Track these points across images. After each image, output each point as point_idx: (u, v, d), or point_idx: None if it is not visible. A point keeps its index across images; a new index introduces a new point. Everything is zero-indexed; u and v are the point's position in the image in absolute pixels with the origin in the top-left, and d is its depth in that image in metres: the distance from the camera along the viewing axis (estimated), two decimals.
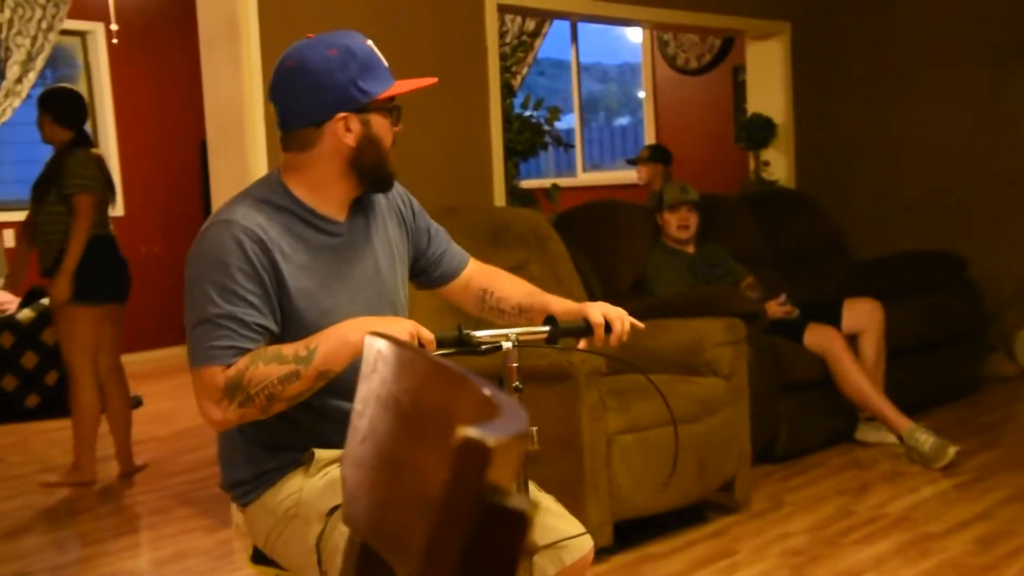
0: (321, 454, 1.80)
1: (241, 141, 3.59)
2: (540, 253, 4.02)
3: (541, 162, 9.09)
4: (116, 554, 3.53)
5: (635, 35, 8.19)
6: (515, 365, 1.84)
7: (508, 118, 4.86)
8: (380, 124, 1.81)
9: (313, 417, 1.80)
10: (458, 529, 0.61)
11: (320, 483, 1.77)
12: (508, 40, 7.30)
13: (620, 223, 4.91)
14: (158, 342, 7.51)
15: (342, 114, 1.76)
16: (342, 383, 1.71)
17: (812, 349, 4.27)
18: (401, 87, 1.82)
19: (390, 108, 1.82)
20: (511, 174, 4.88)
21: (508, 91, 5.12)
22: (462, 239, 3.77)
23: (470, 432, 0.62)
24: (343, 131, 1.76)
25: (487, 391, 0.73)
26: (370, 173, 1.83)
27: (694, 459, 3.41)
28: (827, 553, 3.13)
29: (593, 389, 3.17)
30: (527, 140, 4.88)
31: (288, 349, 1.67)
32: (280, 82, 1.78)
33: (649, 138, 7.82)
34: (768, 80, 5.87)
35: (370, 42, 1.83)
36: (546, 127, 5.14)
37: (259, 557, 1.99)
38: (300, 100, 1.76)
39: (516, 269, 3.90)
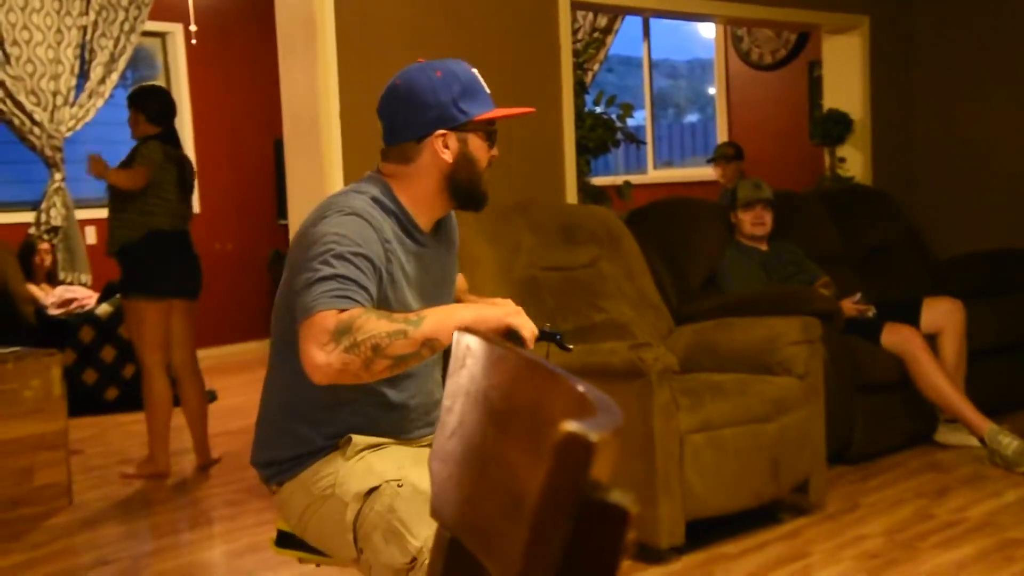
0: (358, 439, 1.89)
1: (317, 140, 3.63)
2: (612, 251, 4.00)
3: (611, 159, 9.06)
4: (192, 545, 3.61)
5: (708, 30, 8.12)
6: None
7: (580, 115, 4.85)
8: (477, 144, 1.92)
9: (378, 406, 1.90)
10: (560, 526, 0.61)
11: (358, 466, 1.86)
12: (580, 37, 7.28)
13: (692, 220, 4.87)
14: (232, 338, 7.64)
15: (441, 131, 1.89)
16: (406, 377, 1.86)
17: (890, 349, 4.19)
18: (499, 112, 1.94)
19: (488, 131, 1.93)
20: (583, 171, 4.87)
21: (580, 88, 5.11)
22: (533, 236, 3.79)
23: (573, 427, 0.62)
24: (441, 147, 1.89)
25: (581, 388, 0.73)
26: (464, 190, 1.94)
27: (768, 459, 3.37)
28: (904, 557, 3.07)
29: (665, 387, 3.15)
30: (599, 137, 4.87)
31: (398, 314, 1.74)
32: (387, 99, 1.92)
33: (721, 135, 7.74)
34: (845, 75, 5.77)
35: (475, 70, 1.96)
36: (618, 124, 5.12)
37: (283, 541, 2.04)
38: (404, 116, 1.90)
39: (587, 267, 3.90)
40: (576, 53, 5.00)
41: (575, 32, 7.21)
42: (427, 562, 1.69)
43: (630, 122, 5.34)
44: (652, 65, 8.56)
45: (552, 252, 3.83)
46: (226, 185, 7.65)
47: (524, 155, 4.23)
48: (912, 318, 4.32)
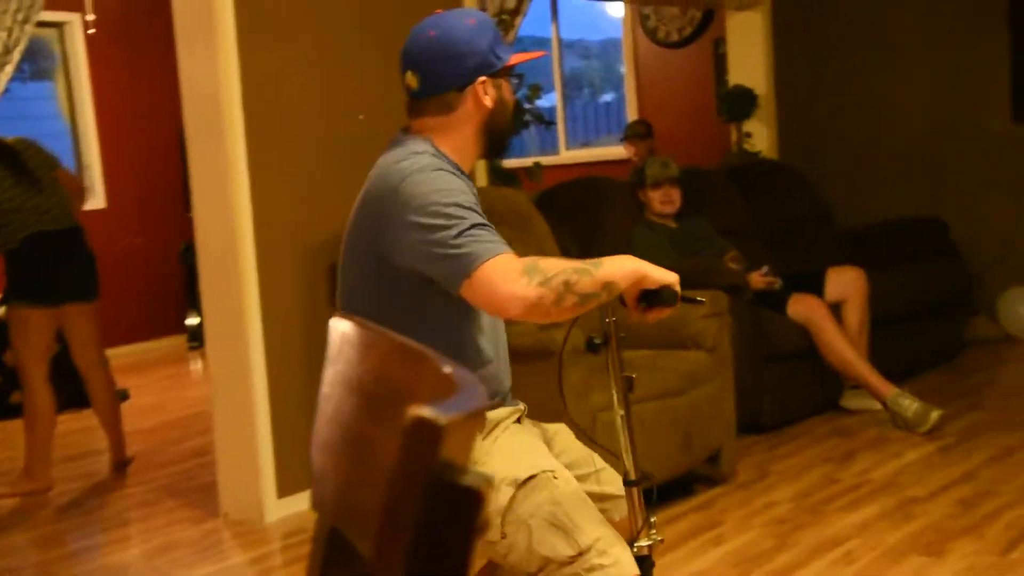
0: (490, 416, 1.91)
1: (220, 132, 3.57)
2: (523, 233, 4.02)
3: (524, 141, 9.07)
4: (106, 547, 3.54)
5: (616, 10, 8.17)
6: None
7: None
8: (507, 89, 1.94)
9: (496, 365, 1.94)
10: (411, 506, 0.62)
11: (495, 447, 1.87)
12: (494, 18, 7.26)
13: (602, 200, 4.91)
14: (144, 334, 7.49)
15: (482, 78, 1.89)
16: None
17: (796, 319, 4.29)
18: (525, 56, 1.96)
19: (515, 75, 1.95)
20: None
21: None
22: None
23: (421, 411, 0.63)
24: (482, 94, 1.89)
25: (447, 368, 0.74)
26: (499, 136, 1.96)
27: (680, 432, 3.43)
28: (812, 521, 3.16)
29: (578, 366, 3.18)
30: None
31: (574, 259, 1.79)
32: (422, 50, 1.89)
33: (632, 114, 7.81)
34: (749, 51, 5.87)
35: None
36: (527, 105, 5.14)
37: None
38: (445, 65, 1.87)
39: None
40: None
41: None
42: (595, 563, 1.76)
43: (543, 103, 5.37)
44: (565, 46, 8.58)
45: None
46: (132, 178, 7.48)
47: None
48: (817, 288, 4.44)
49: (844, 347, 4.19)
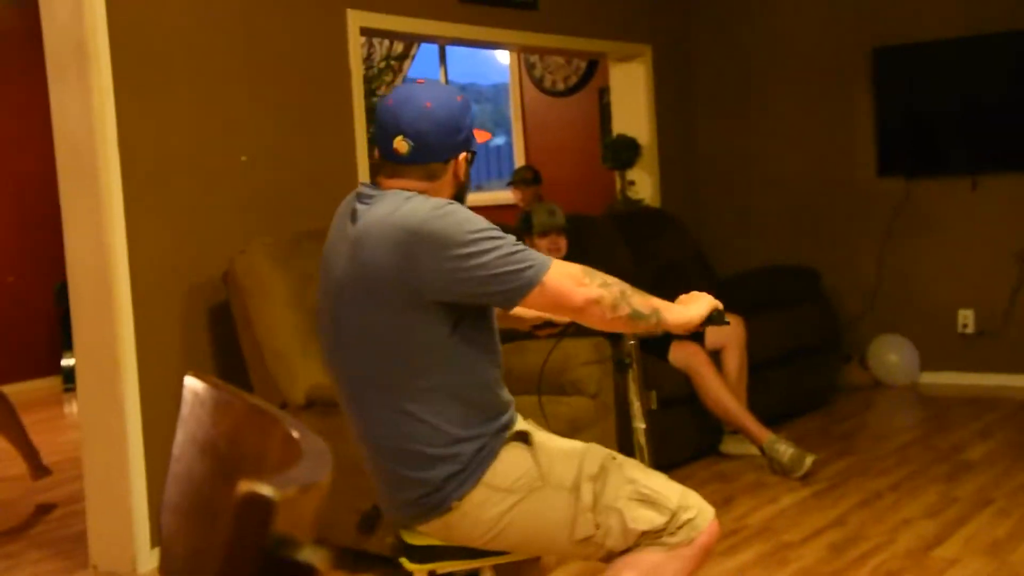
0: (521, 426, 2.03)
1: (93, 169, 3.48)
2: None
3: None
4: None
5: (504, 57, 8.27)
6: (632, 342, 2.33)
7: (373, 141, 4.84)
8: (468, 165, 2.06)
9: (495, 387, 2.01)
10: None
11: (545, 455, 1.99)
12: (377, 62, 7.27)
13: None
14: (14, 376, 7.18)
15: (464, 154, 2.01)
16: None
17: (677, 365, 4.36)
18: (480, 135, 2.08)
19: (474, 152, 2.06)
20: None
21: (373, 115, 5.10)
22: None
23: (253, 486, 0.61)
24: (460, 168, 2.01)
25: (295, 433, 0.72)
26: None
27: None
28: None
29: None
30: None
31: None
32: (416, 119, 1.94)
33: (519, 159, 7.89)
34: (632, 101, 6.00)
35: None
36: None
37: (420, 556, 2.05)
38: (437, 138, 1.95)
39: None
40: (368, 80, 5.00)
41: (369, 58, 7.20)
42: (685, 519, 1.95)
43: None
44: (459, 89, 8.61)
45: None
46: (5, 215, 7.20)
47: (317, 183, 4.18)
48: (697, 335, 4.52)
49: (723, 393, 4.27)
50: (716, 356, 4.47)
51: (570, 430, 3.49)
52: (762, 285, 5.46)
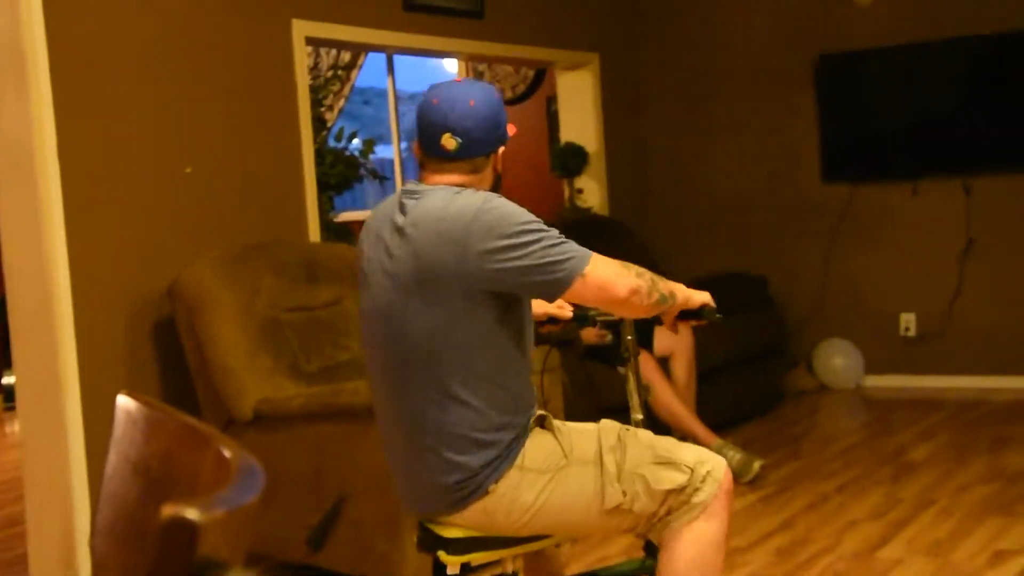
0: (541, 412, 2.13)
1: (32, 180, 3.41)
2: (355, 288, 3.98)
3: (361, 194, 9.03)
4: None
5: (452, 66, 8.26)
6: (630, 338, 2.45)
7: (321, 151, 4.82)
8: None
9: (528, 379, 2.13)
10: None
11: (565, 433, 2.11)
12: (325, 72, 7.23)
13: None
14: None
15: (502, 148, 2.15)
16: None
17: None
18: (511, 128, 2.20)
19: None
20: (326, 208, 4.83)
21: (321, 124, 5.08)
22: (274, 276, 3.71)
23: (177, 510, 0.61)
24: (499, 161, 2.16)
25: (227, 452, 0.71)
26: None
27: None
28: None
29: None
30: (340, 173, 4.85)
31: None
32: (462, 117, 2.06)
33: None
34: (579, 110, 6.03)
35: None
36: (361, 159, 5.13)
37: (460, 548, 2.10)
38: (482, 133, 2.08)
39: (331, 305, 3.86)
40: (315, 89, 4.97)
41: (316, 67, 7.16)
42: (703, 472, 2.09)
43: (387, 155, 5.37)
44: (408, 97, 8.61)
45: (294, 292, 3.77)
46: None
47: (263, 194, 4.15)
48: (646, 343, 4.55)
49: (672, 400, 4.30)
50: (665, 363, 4.50)
51: None
52: (710, 292, 5.49)
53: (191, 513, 0.61)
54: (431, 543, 2.14)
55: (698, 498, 2.09)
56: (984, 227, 5.58)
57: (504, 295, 2.02)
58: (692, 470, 2.09)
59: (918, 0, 5.65)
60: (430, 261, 1.99)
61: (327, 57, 7.36)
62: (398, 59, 8.17)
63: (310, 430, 3.32)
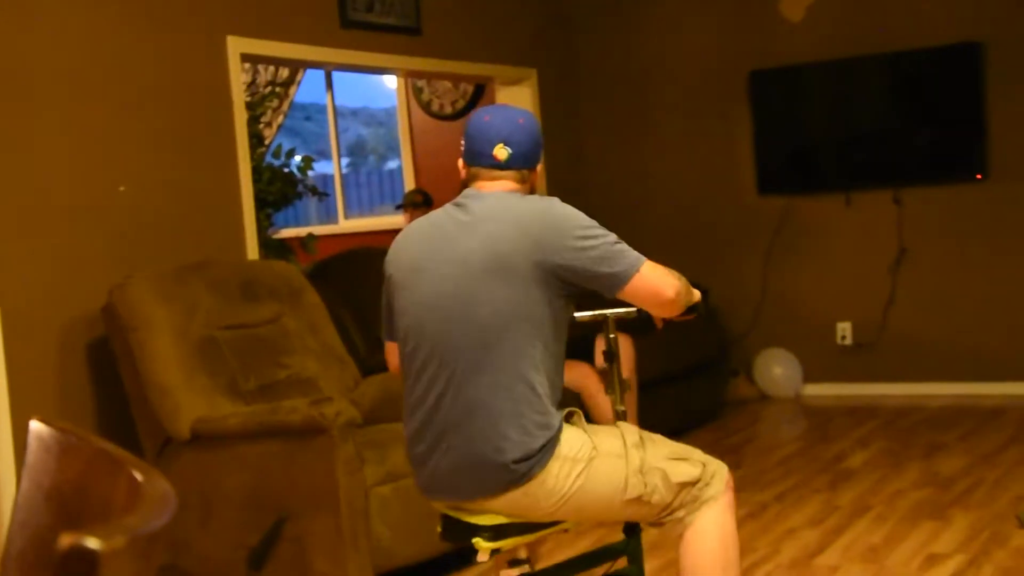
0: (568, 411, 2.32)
1: None
2: (294, 306, 3.96)
3: (301, 211, 8.97)
4: None
5: (392, 81, 8.26)
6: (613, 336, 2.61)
7: (259, 169, 4.78)
8: None
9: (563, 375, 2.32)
10: None
11: (591, 430, 2.29)
12: (264, 88, 7.19)
13: (377, 270, 4.91)
14: None
15: (540, 165, 2.39)
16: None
17: (569, 386, 4.37)
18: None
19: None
20: (264, 225, 4.79)
21: (258, 141, 5.05)
22: (211, 294, 3.67)
23: (76, 538, 0.60)
24: (536, 178, 2.39)
25: (139, 476, 0.70)
26: None
27: None
28: None
29: (348, 442, 3.14)
30: (279, 190, 4.82)
31: None
32: (515, 131, 2.32)
33: (409, 182, 7.88)
34: None
35: None
36: (299, 176, 5.10)
37: (499, 534, 2.25)
38: (530, 148, 2.33)
39: (270, 323, 3.83)
40: (252, 106, 4.94)
41: (252, 83, 7.11)
42: (712, 470, 2.32)
43: (328, 171, 5.35)
44: (351, 113, 8.59)
45: (232, 310, 3.73)
46: None
47: (200, 212, 4.11)
48: (587, 355, 4.57)
49: (613, 412, 4.32)
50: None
51: None
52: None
53: (91, 542, 0.60)
54: (460, 532, 2.29)
55: (708, 493, 2.30)
56: (914, 237, 5.71)
57: (566, 288, 2.22)
58: (704, 465, 2.32)
59: (845, 18, 5.77)
60: (507, 247, 2.20)
61: (265, 73, 7.32)
62: (338, 75, 8.15)
63: (249, 449, 3.28)
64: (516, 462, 2.17)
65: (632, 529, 2.49)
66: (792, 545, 3.46)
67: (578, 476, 2.21)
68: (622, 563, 2.53)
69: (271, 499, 3.22)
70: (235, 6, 4.29)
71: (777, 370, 5.96)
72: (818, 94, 5.85)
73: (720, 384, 5.75)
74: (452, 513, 2.31)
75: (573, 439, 2.24)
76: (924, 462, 4.38)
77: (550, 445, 2.19)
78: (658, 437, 2.37)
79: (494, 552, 2.29)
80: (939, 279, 5.69)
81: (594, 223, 2.25)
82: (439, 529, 2.36)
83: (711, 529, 2.31)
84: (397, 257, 2.37)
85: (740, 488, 4.13)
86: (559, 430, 2.22)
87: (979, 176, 5.52)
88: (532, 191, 2.37)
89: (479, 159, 2.31)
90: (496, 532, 2.25)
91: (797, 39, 5.86)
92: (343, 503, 3.11)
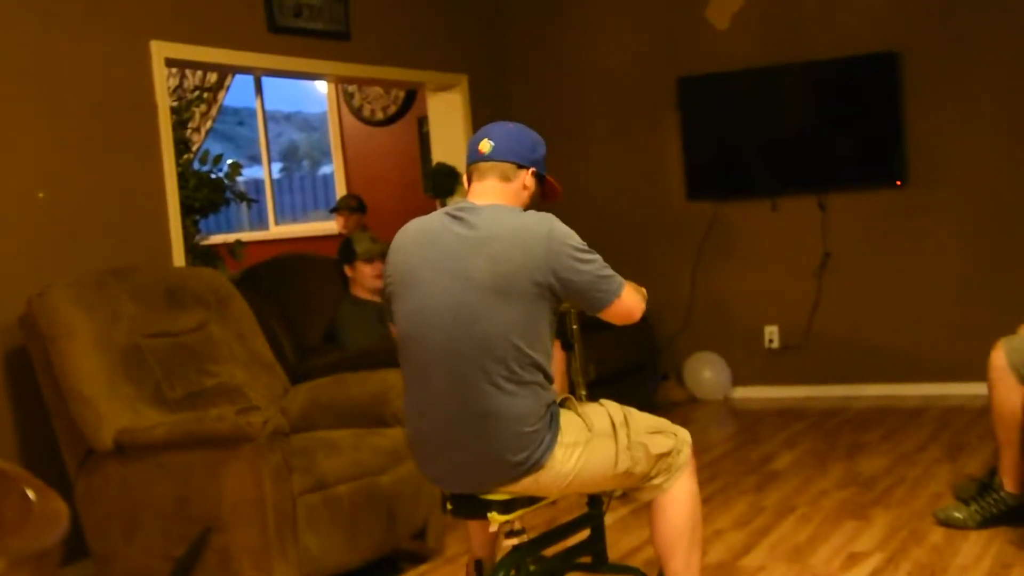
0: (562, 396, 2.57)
1: None
2: (221, 313, 3.91)
3: (232, 217, 8.87)
4: None
5: (323, 86, 8.21)
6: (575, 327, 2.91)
7: (185, 175, 4.72)
8: (537, 190, 2.62)
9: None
10: None
11: (582, 411, 2.52)
12: (192, 92, 7.09)
13: (307, 276, 4.88)
14: None
15: (533, 169, 2.57)
16: None
17: None
18: (550, 178, 2.66)
19: (541, 175, 2.63)
20: (191, 232, 4.73)
21: (185, 147, 4.98)
22: (134, 302, 3.61)
23: None
24: (529, 181, 2.57)
25: (32, 495, 0.69)
26: None
27: (384, 510, 3.42)
28: None
29: (276, 450, 3.11)
30: (205, 197, 4.76)
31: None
32: (500, 129, 2.58)
33: (341, 188, 7.84)
34: (449, 130, 6.06)
35: None
36: (227, 182, 5.04)
37: (508, 508, 2.54)
38: (514, 144, 2.54)
39: (196, 331, 3.77)
40: (178, 110, 4.87)
41: (179, 87, 7.01)
42: (683, 438, 2.64)
43: (259, 176, 5.30)
44: (284, 117, 8.51)
45: (156, 318, 3.67)
46: None
47: (123, 218, 4.04)
48: None
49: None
50: None
51: (390, 462, 3.48)
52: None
53: None
54: (471, 507, 2.57)
55: (680, 460, 2.60)
56: (838, 241, 5.83)
57: (557, 300, 2.43)
58: (676, 435, 2.61)
59: (768, 27, 5.88)
60: (510, 267, 2.38)
61: (193, 78, 7.22)
62: (270, 80, 8.08)
63: (174, 459, 3.23)
64: (527, 458, 2.41)
65: (595, 500, 2.90)
66: (719, 546, 3.51)
67: (578, 458, 2.46)
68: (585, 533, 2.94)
69: (197, 509, 3.17)
70: (160, 10, 4.23)
71: (706, 373, 6.03)
72: (745, 101, 5.94)
73: (651, 387, 5.81)
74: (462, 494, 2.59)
75: (570, 425, 2.47)
76: (847, 462, 4.48)
77: (553, 436, 2.43)
78: (635, 411, 2.61)
79: (504, 524, 2.59)
80: (862, 282, 5.82)
81: (585, 244, 2.46)
82: (449, 507, 2.62)
83: (684, 495, 2.61)
84: (394, 260, 2.55)
85: None
86: (553, 420, 2.44)
87: (899, 183, 5.65)
88: (528, 194, 2.57)
89: (470, 157, 2.55)
90: (506, 506, 2.53)
91: (724, 46, 5.95)
92: (270, 512, 3.08)
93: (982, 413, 4.70)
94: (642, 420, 2.60)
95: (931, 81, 5.58)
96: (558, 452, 2.44)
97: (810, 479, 4.25)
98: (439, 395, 2.45)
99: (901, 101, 5.60)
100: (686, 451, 2.63)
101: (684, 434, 2.66)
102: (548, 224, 2.44)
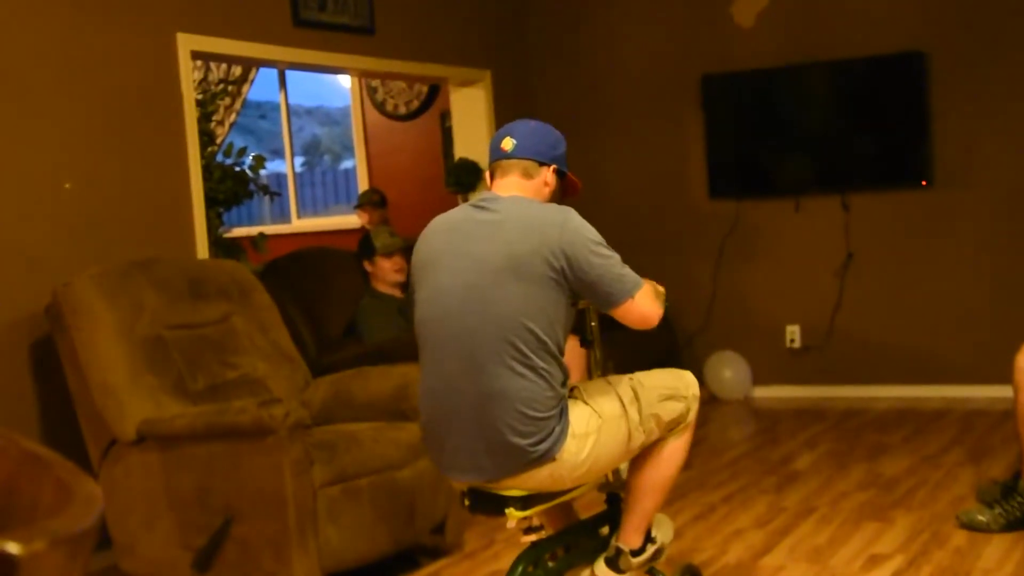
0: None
1: None
2: (243, 305, 3.92)
3: (255, 209, 8.91)
4: None
5: (346, 80, 8.23)
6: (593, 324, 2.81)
7: (209, 167, 4.74)
8: (558, 187, 2.64)
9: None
10: None
11: (592, 395, 2.52)
12: (216, 86, 7.12)
13: (329, 270, 4.90)
14: None
15: (555, 166, 2.59)
16: None
17: None
18: (572, 175, 2.67)
19: (564, 172, 2.65)
20: (214, 224, 4.75)
21: (209, 139, 5.00)
22: (157, 293, 3.63)
23: None
24: (550, 177, 2.59)
25: (67, 478, 0.70)
26: None
27: (404, 505, 3.43)
28: None
29: (297, 443, 3.12)
30: (229, 189, 4.78)
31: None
32: (522, 127, 2.60)
33: (363, 183, 7.86)
34: (472, 125, 6.06)
35: None
36: (251, 175, 5.06)
37: (526, 504, 2.52)
38: (536, 140, 2.57)
39: (218, 323, 3.79)
40: (203, 103, 4.89)
41: (204, 80, 7.04)
42: (693, 394, 2.66)
43: (282, 170, 5.31)
44: (305, 112, 8.54)
45: (179, 309, 3.69)
46: None
47: (148, 210, 4.06)
48: None
49: None
50: None
51: (411, 456, 3.48)
52: None
53: (11, 546, 0.60)
54: (489, 504, 2.54)
55: (688, 418, 2.65)
56: (861, 241, 5.79)
57: (572, 292, 2.42)
58: (686, 397, 2.63)
59: (795, 25, 5.84)
60: (525, 249, 2.38)
61: (217, 71, 7.26)
62: (294, 74, 8.10)
63: (195, 450, 3.25)
64: (534, 444, 2.39)
65: (613, 498, 2.87)
66: (738, 546, 3.50)
67: (592, 447, 2.46)
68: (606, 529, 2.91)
69: (218, 500, 3.19)
70: (186, 3, 4.25)
71: (727, 372, 6.01)
72: (769, 99, 5.91)
73: None
74: (478, 486, 2.53)
75: (580, 415, 2.46)
76: (868, 463, 4.45)
77: (563, 426, 2.42)
78: (645, 379, 2.60)
79: (523, 521, 2.59)
80: (885, 283, 5.79)
81: (603, 241, 2.46)
82: (466, 503, 2.59)
83: (680, 447, 2.67)
84: (419, 250, 2.56)
85: (689, 490, 4.19)
86: (563, 412, 2.43)
87: (924, 183, 5.61)
88: (550, 190, 2.58)
89: (492, 155, 2.58)
90: (524, 502, 2.52)
91: (749, 45, 5.93)
92: (291, 504, 3.09)
93: (1006, 416, 4.67)
94: (652, 389, 2.58)
95: (958, 81, 5.54)
96: (571, 444, 2.43)
97: (831, 480, 4.23)
98: (451, 378, 2.44)
99: (928, 101, 5.55)
100: (694, 407, 2.66)
101: (693, 388, 2.67)
102: (565, 214, 2.46)
